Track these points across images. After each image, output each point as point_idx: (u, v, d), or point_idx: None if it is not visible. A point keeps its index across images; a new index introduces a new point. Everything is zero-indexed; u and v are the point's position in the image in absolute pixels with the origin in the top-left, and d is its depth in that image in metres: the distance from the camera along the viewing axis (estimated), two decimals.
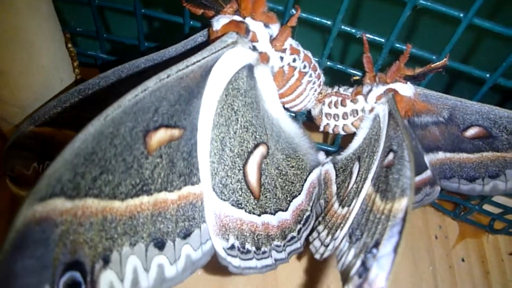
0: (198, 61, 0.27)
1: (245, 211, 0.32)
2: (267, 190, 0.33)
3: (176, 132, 0.26)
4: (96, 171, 0.22)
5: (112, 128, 0.23)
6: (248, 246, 0.32)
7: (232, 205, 0.31)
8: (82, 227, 0.22)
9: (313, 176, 0.36)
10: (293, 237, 0.35)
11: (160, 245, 0.26)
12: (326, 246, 0.32)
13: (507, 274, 0.52)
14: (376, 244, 0.24)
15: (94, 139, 0.22)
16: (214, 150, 0.29)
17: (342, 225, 0.31)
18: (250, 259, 0.32)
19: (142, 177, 0.25)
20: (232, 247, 0.31)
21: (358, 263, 0.25)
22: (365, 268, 0.24)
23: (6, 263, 0.18)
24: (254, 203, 0.32)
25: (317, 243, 0.34)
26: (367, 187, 0.31)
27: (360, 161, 0.34)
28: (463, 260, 0.52)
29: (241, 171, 0.31)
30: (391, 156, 0.29)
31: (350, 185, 0.34)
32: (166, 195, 0.26)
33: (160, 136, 0.25)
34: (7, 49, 0.30)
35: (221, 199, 0.30)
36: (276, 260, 0.33)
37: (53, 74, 0.35)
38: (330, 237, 0.32)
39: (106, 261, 0.23)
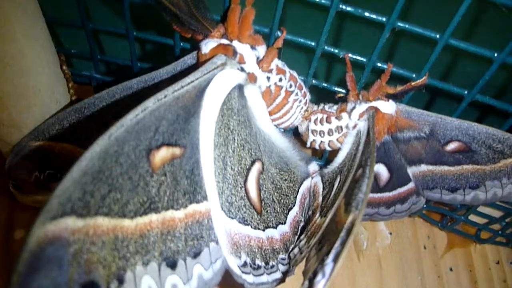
0: (192, 82, 0.28)
1: (251, 227, 0.33)
2: (267, 204, 0.34)
3: (177, 150, 0.27)
4: (105, 189, 0.22)
5: (116, 147, 0.23)
6: (258, 261, 0.33)
7: (239, 222, 0.32)
8: (95, 246, 0.22)
9: (303, 188, 0.38)
10: (292, 248, 0.35)
11: (172, 265, 0.26)
12: (301, 253, 0.33)
13: (494, 282, 0.53)
14: (328, 253, 0.25)
15: (100, 158, 0.22)
16: (218, 170, 0.30)
17: (316, 233, 0.33)
18: (262, 274, 0.33)
19: (149, 195, 0.25)
20: (245, 264, 0.32)
21: (314, 268, 0.26)
22: (314, 275, 0.25)
23: (21, 285, 0.18)
24: (257, 219, 0.33)
25: (296, 250, 0.35)
26: (341, 199, 0.32)
27: (341, 174, 0.35)
28: (451, 269, 0.53)
29: (243, 188, 0.32)
30: (360, 171, 0.30)
31: (330, 197, 0.35)
32: (173, 213, 0.27)
33: (162, 154, 0.26)
34: (5, 75, 0.32)
35: (229, 217, 0.31)
36: (283, 273, 0.34)
37: (49, 96, 0.36)
38: (306, 245, 0.33)
39: (121, 281, 0.23)
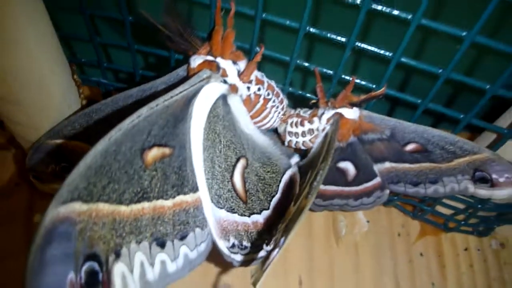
0: (180, 92, 0.32)
1: (238, 214, 0.37)
2: (252, 194, 0.39)
3: (167, 150, 0.32)
4: (105, 181, 0.27)
5: (115, 147, 0.28)
6: (245, 243, 0.37)
7: (227, 211, 0.36)
8: (97, 225, 0.26)
9: (285, 177, 0.42)
10: (276, 229, 0.40)
11: (161, 244, 0.31)
12: (275, 235, 0.37)
13: (461, 267, 0.58)
14: (289, 232, 0.31)
15: (102, 155, 0.27)
16: (207, 169, 0.35)
17: (286, 220, 0.37)
18: (248, 253, 0.38)
19: (142, 187, 0.30)
20: (233, 245, 0.37)
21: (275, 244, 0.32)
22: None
23: (38, 253, 0.22)
24: (243, 207, 0.38)
25: (275, 231, 0.39)
26: (307, 189, 0.36)
27: (311, 169, 0.41)
28: (421, 254, 0.58)
29: (229, 182, 0.37)
30: (323, 165, 0.36)
31: (302, 187, 0.40)
32: (163, 202, 0.31)
33: (154, 153, 0.30)
34: (23, 85, 0.37)
35: (218, 207, 0.36)
36: (267, 251, 0.38)
37: (62, 102, 0.42)
38: (280, 226, 0.38)
39: (118, 255, 0.27)
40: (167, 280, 0.31)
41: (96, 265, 0.26)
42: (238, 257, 0.37)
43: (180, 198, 0.33)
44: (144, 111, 0.30)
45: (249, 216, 0.38)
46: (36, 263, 0.22)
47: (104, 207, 0.27)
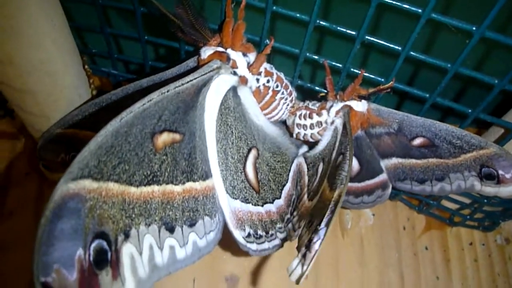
0: (191, 80, 0.33)
1: (252, 204, 0.38)
2: (264, 184, 0.39)
3: (177, 136, 0.32)
4: (115, 161, 0.27)
5: (126, 128, 0.28)
6: (259, 232, 0.38)
7: (242, 201, 0.37)
8: (106, 204, 0.26)
9: (294, 166, 0.43)
10: (288, 218, 0.41)
11: (171, 229, 0.31)
12: (294, 231, 0.39)
13: (466, 262, 0.58)
14: (320, 223, 0.30)
15: (112, 135, 0.27)
16: (221, 160, 0.36)
17: (305, 215, 0.38)
18: (263, 242, 0.38)
19: (152, 170, 0.30)
20: (249, 235, 0.37)
21: (308, 238, 0.31)
22: (310, 242, 0.30)
23: (48, 226, 0.23)
24: (257, 197, 0.38)
25: (290, 225, 0.40)
26: (325, 183, 0.37)
27: (323, 162, 0.41)
28: (426, 248, 0.59)
29: (242, 173, 0.37)
30: (341, 157, 0.36)
31: (316, 182, 0.40)
32: (172, 187, 0.32)
33: (164, 138, 0.31)
34: (36, 75, 0.38)
35: (233, 198, 0.36)
36: (281, 239, 0.40)
37: (73, 92, 0.43)
38: (298, 224, 0.39)
39: (127, 236, 0.27)
40: (175, 266, 0.31)
41: (105, 244, 0.26)
42: (254, 246, 0.38)
43: (189, 184, 0.33)
44: (155, 96, 0.30)
45: (262, 206, 0.39)
46: (45, 237, 0.23)
47: (114, 187, 0.27)
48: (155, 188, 0.30)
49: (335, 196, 0.32)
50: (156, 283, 0.51)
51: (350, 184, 0.46)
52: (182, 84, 0.32)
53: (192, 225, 0.33)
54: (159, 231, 0.30)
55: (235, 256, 0.54)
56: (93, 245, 0.25)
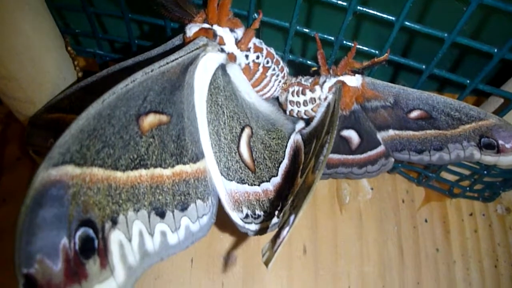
0: (176, 59, 0.31)
1: (248, 184, 0.37)
2: (259, 163, 0.38)
3: (164, 117, 0.31)
4: (99, 145, 0.26)
5: (109, 111, 0.27)
6: (257, 212, 0.37)
7: (238, 182, 0.36)
8: (91, 190, 0.25)
9: (291, 142, 0.42)
10: (286, 195, 0.40)
11: (161, 214, 0.30)
12: (284, 206, 0.37)
13: (466, 232, 0.58)
14: (299, 208, 0.29)
15: (95, 118, 0.26)
16: (213, 142, 0.35)
17: (294, 192, 0.37)
18: (262, 221, 0.38)
19: (139, 153, 0.29)
20: (247, 216, 0.37)
21: (283, 221, 0.31)
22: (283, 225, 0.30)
23: (29, 215, 0.22)
24: (253, 176, 0.38)
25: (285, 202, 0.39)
26: (313, 161, 0.36)
27: (316, 139, 0.40)
28: (426, 220, 0.58)
29: (236, 153, 0.36)
30: (327, 137, 0.35)
31: (308, 159, 0.40)
32: (161, 171, 0.30)
33: (150, 119, 0.29)
34: (18, 62, 0.37)
35: (229, 180, 0.36)
36: (279, 217, 0.38)
37: (58, 75, 0.41)
38: (289, 199, 0.39)
39: (114, 222, 0.26)
40: (168, 251, 0.30)
41: (91, 232, 0.25)
42: (253, 227, 0.37)
43: (179, 167, 0.32)
44: (138, 76, 0.29)
45: (259, 185, 0.38)
46: (26, 226, 0.22)
47: (98, 172, 0.26)
48: (143, 172, 0.29)
49: (309, 182, 0.30)
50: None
51: (352, 157, 0.46)
52: (167, 63, 0.31)
53: (184, 209, 0.32)
54: (149, 216, 0.29)
55: (232, 236, 0.54)
56: (78, 233, 0.24)
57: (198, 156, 0.34)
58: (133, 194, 0.28)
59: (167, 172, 0.31)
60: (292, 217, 0.29)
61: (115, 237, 0.26)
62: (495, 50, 0.36)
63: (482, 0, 0.32)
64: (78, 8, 0.43)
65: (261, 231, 0.38)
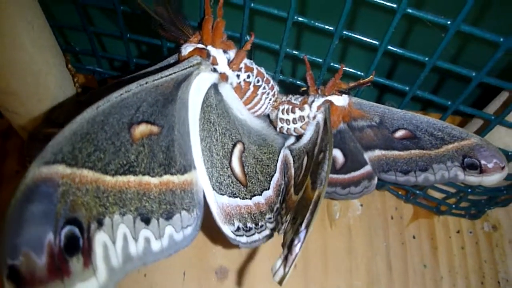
0: (170, 74, 0.33)
1: (240, 198, 0.38)
2: (251, 177, 0.40)
3: (155, 128, 0.32)
4: (90, 148, 0.27)
5: (102, 117, 0.28)
6: (249, 224, 0.39)
7: (230, 196, 0.37)
8: (80, 191, 0.26)
9: (281, 156, 0.43)
10: (277, 208, 0.41)
11: (146, 220, 0.30)
12: (282, 224, 0.39)
13: (453, 249, 0.59)
14: (301, 223, 0.31)
15: (88, 123, 0.27)
16: (206, 158, 0.36)
17: (291, 209, 0.38)
18: (253, 234, 0.39)
19: (129, 160, 0.30)
20: (238, 228, 0.38)
21: (290, 238, 0.32)
22: (292, 242, 0.31)
23: (18, 209, 0.23)
24: (244, 190, 0.39)
25: (279, 218, 0.40)
26: (308, 179, 0.37)
27: (308, 156, 0.42)
28: (414, 237, 0.59)
29: (228, 169, 0.38)
30: (322, 155, 0.37)
31: (301, 176, 0.41)
32: (149, 179, 0.31)
33: (142, 129, 0.31)
34: (19, 77, 0.38)
35: (220, 194, 0.37)
36: (271, 229, 0.40)
37: (58, 91, 0.43)
38: (285, 217, 0.39)
39: (100, 224, 0.27)
40: (151, 258, 0.31)
41: (76, 231, 0.26)
42: (244, 239, 0.38)
43: (167, 177, 0.33)
44: (133, 87, 0.30)
45: (250, 199, 0.39)
46: (14, 219, 0.22)
47: (88, 174, 0.27)
48: (131, 178, 0.30)
49: (314, 197, 0.32)
50: (146, 276, 0.52)
51: (336, 176, 0.46)
52: (161, 78, 0.33)
53: (169, 218, 0.32)
54: (134, 221, 0.30)
55: (224, 249, 0.55)
56: (64, 230, 0.25)
57: (186, 168, 0.35)
58: (120, 199, 0.29)
59: (154, 180, 0.32)
60: (302, 235, 0.30)
61: (100, 238, 0.27)
62: (473, 74, 0.38)
63: (459, 27, 0.34)
64: (79, 28, 0.45)
65: (252, 243, 0.39)
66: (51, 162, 0.25)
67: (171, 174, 0.33)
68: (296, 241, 0.30)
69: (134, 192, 0.30)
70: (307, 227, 0.30)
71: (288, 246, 0.31)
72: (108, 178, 0.28)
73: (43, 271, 0.23)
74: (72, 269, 0.25)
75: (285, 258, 0.30)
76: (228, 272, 0.54)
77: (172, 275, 0.53)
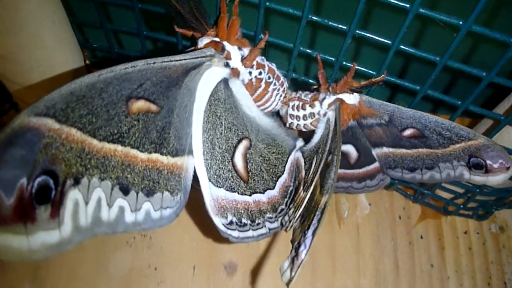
0: (180, 60, 0.34)
1: (238, 193, 0.38)
2: (255, 174, 0.40)
3: (154, 107, 0.32)
4: (84, 111, 0.28)
5: (102, 85, 0.28)
6: (244, 220, 0.39)
7: (227, 190, 0.37)
8: (64, 147, 0.27)
9: (292, 158, 0.43)
10: (282, 209, 0.41)
11: (125, 191, 0.31)
12: (290, 222, 0.39)
13: (460, 249, 0.60)
14: (308, 227, 0.32)
15: (87, 87, 0.28)
16: (206, 150, 0.36)
17: (300, 206, 0.39)
18: (247, 230, 0.39)
19: (120, 130, 0.30)
20: (231, 222, 0.38)
21: (298, 239, 0.33)
22: (299, 245, 0.31)
23: None
24: (244, 186, 0.39)
25: (286, 217, 0.41)
26: (317, 178, 0.38)
27: (317, 154, 0.42)
28: (421, 237, 0.60)
29: (230, 163, 0.38)
30: (330, 157, 0.37)
31: (310, 174, 0.42)
32: (137, 153, 0.32)
33: (140, 104, 0.31)
34: (38, 72, 0.40)
35: (217, 186, 0.37)
36: (270, 229, 0.41)
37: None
38: (293, 215, 0.40)
39: (77, 182, 0.28)
40: (122, 227, 0.31)
41: (51, 182, 0.26)
42: (235, 233, 0.38)
43: (156, 156, 0.33)
44: (140, 63, 0.31)
45: (250, 195, 0.40)
46: None
47: (76, 133, 0.27)
48: (119, 147, 0.30)
49: (321, 204, 0.32)
50: (157, 269, 0.53)
51: (351, 171, 0.47)
52: (171, 61, 0.33)
53: (149, 194, 0.33)
54: (112, 189, 0.30)
55: (233, 245, 0.56)
56: (39, 179, 0.25)
57: (178, 152, 0.35)
58: (103, 164, 0.29)
59: (142, 156, 0.32)
60: (308, 241, 0.31)
61: (73, 195, 0.28)
62: (484, 74, 0.38)
63: (471, 27, 0.35)
64: (97, 25, 0.47)
65: (244, 239, 0.39)
66: (41, 114, 0.26)
67: (162, 154, 0.34)
68: (302, 248, 0.30)
69: (119, 161, 0.31)
70: (313, 234, 0.31)
71: (295, 248, 0.32)
72: (95, 142, 0.29)
73: (9, 210, 0.24)
74: (37, 217, 0.25)
75: (292, 261, 0.31)
76: (237, 267, 0.55)
77: (182, 269, 0.54)
